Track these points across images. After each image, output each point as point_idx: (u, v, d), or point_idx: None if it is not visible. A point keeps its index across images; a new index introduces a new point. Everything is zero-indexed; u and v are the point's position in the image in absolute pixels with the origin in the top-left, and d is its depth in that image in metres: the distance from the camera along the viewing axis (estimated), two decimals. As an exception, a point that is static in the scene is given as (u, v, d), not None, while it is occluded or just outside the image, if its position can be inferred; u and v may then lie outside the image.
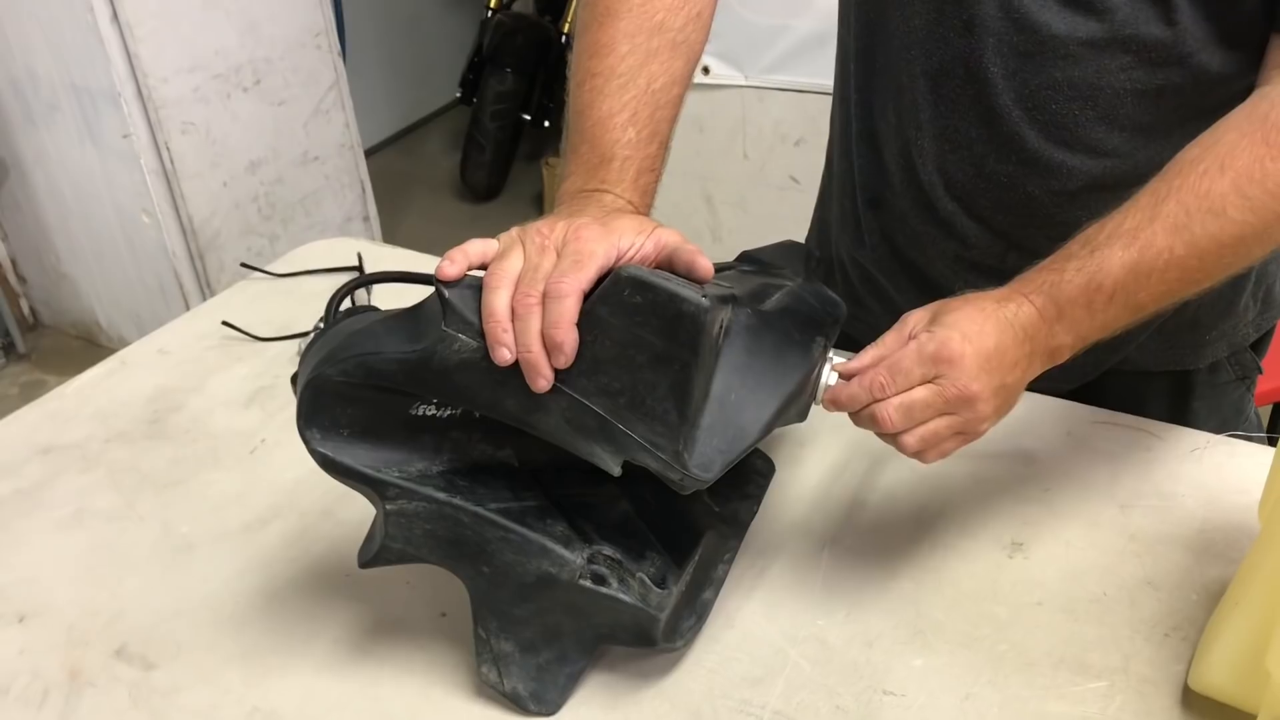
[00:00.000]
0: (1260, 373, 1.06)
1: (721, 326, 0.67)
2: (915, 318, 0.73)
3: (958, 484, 0.91)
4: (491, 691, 0.75)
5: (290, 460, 1.01)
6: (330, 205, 2.86)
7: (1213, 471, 0.91)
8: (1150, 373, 1.03)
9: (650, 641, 0.73)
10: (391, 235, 3.14)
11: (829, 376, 0.73)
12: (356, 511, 0.93)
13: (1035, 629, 0.78)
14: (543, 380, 0.64)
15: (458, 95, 3.75)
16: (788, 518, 0.89)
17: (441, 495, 0.71)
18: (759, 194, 2.54)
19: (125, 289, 2.64)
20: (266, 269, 1.32)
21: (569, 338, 0.63)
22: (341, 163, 2.86)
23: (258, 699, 0.77)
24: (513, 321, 0.64)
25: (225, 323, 1.19)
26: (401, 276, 0.82)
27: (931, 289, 0.99)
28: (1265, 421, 1.88)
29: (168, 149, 2.39)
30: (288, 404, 1.10)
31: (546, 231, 0.68)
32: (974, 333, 0.69)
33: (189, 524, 0.94)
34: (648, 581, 0.72)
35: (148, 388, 1.12)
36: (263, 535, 0.92)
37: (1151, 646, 0.76)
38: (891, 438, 0.71)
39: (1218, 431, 0.98)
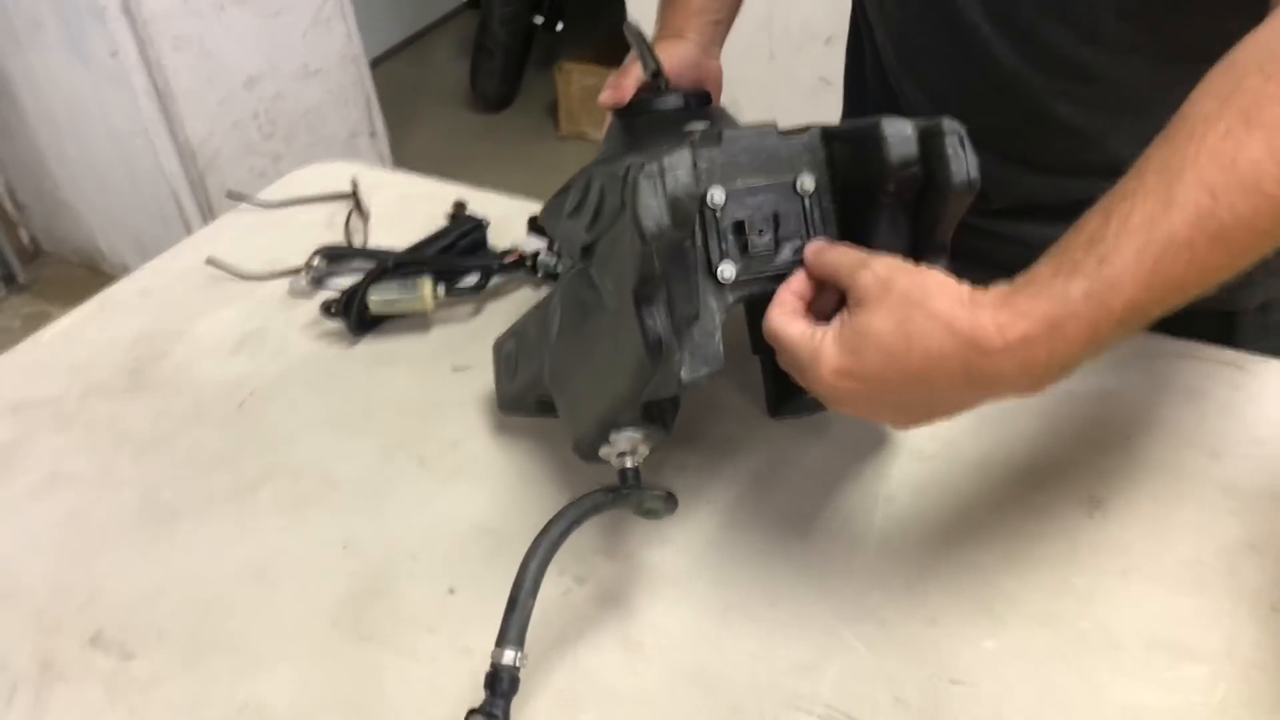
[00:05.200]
0: None
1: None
2: (873, 272, 0.59)
3: (1026, 429, 0.81)
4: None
5: (282, 413, 0.92)
6: (334, 120, 2.73)
7: (1315, 412, 0.81)
8: (1191, 311, 0.91)
9: None
10: (400, 149, 3.02)
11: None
12: (357, 469, 0.85)
13: (1122, 603, 0.68)
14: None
15: None
16: (833, 473, 0.80)
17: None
18: (787, 98, 2.39)
19: (126, 214, 2.53)
20: (255, 199, 1.21)
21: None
22: (344, 75, 2.72)
23: (246, 693, 0.69)
24: None
25: (210, 260, 1.09)
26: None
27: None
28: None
29: (160, 66, 2.26)
30: (279, 351, 1.01)
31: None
32: (899, 347, 0.57)
33: (172, 489, 0.85)
34: None
35: (128, 333, 1.03)
36: (253, 501, 0.84)
37: (1256, 624, 0.66)
38: None
39: None
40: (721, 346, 0.66)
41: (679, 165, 0.59)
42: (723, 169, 0.65)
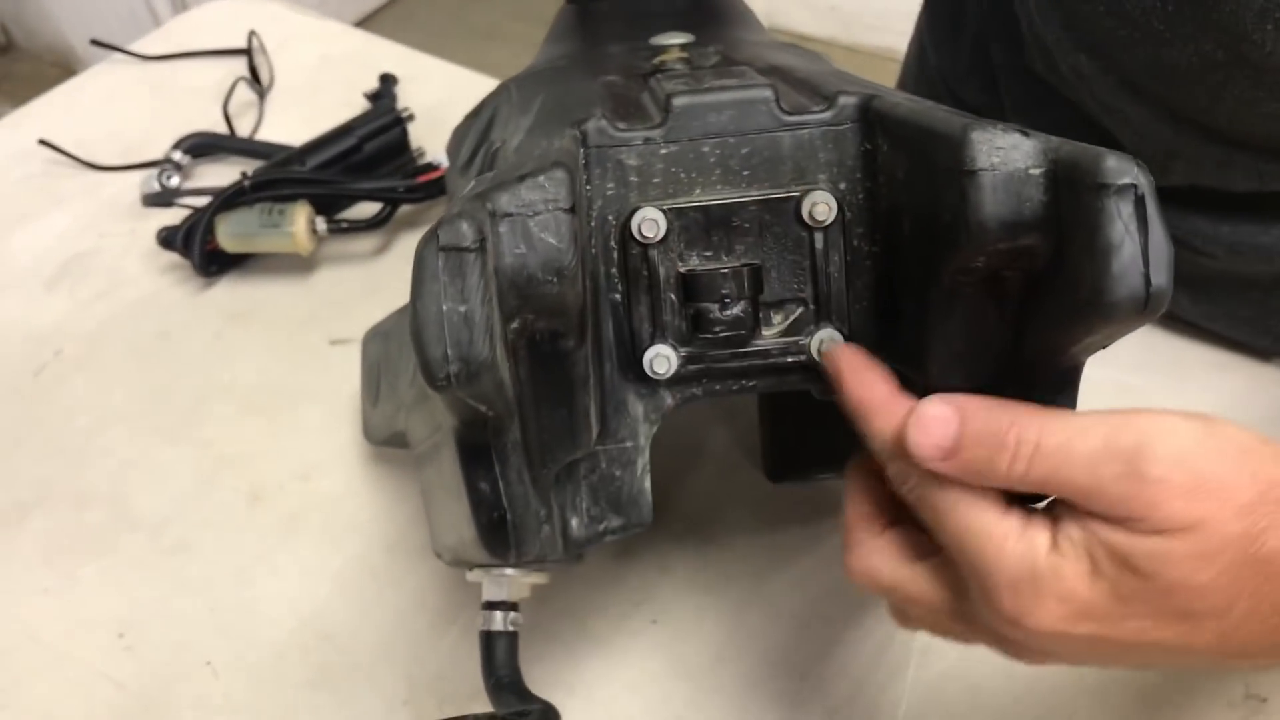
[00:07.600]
0: None
1: None
2: (1168, 484, 0.31)
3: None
4: None
5: (88, 392, 0.66)
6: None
7: None
8: None
9: None
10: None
11: None
12: (163, 499, 0.59)
13: None
14: None
15: None
16: (841, 595, 0.53)
17: None
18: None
19: (93, 10, 2.22)
20: (130, 48, 0.92)
21: None
22: None
23: None
24: None
25: (43, 142, 0.81)
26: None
27: None
28: None
29: None
30: (107, 288, 0.72)
31: None
32: (1214, 603, 0.31)
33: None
34: None
35: (-81, 244, 0.76)
36: (15, 536, 0.58)
37: None
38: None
39: None
40: (648, 485, 0.38)
41: (529, 203, 0.30)
42: (667, 170, 0.36)
